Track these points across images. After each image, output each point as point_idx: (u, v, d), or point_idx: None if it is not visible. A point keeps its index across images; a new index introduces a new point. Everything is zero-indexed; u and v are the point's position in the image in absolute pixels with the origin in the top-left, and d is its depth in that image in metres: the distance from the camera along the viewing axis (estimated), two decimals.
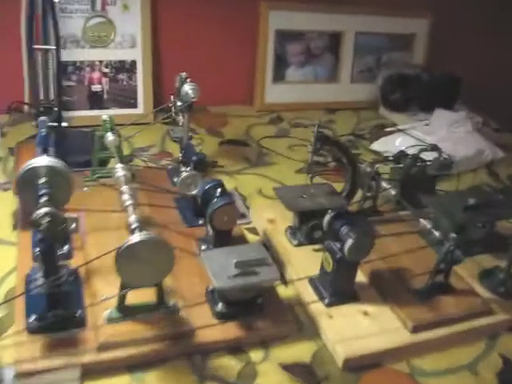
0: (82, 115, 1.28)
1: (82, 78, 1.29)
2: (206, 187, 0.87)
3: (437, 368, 0.77)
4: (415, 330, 0.79)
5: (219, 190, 0.86)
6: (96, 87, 1.30)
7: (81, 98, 1.30)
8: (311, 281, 0.86)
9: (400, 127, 1.35)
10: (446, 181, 1.20)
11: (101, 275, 0.80)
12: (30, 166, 0.72)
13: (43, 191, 0.70)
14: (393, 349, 0.77)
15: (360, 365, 0.75)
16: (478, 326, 0.83)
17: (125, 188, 0.79)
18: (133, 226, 0.71)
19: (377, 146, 1.33)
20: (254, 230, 1.00)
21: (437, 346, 0.80)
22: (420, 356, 0.78)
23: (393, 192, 1.01)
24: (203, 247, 0.88)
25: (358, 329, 0.79)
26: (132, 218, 0.72)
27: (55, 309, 0.71)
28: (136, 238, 0.67)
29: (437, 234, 0.82)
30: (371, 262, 0.90)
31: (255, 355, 0.75)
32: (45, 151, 0.86)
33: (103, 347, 0.70)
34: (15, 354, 0.68)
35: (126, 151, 1.20)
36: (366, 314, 0.82)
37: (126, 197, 0.77)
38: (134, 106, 1.32)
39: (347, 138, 1.39)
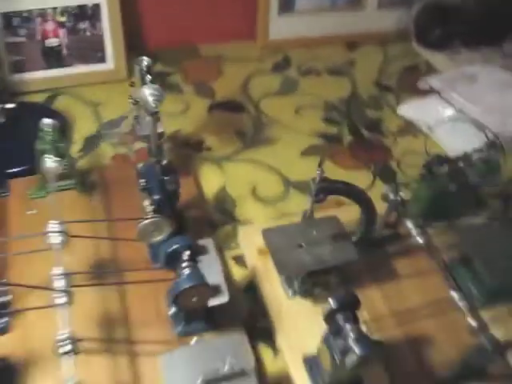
0: (37, 77, 1.02)
1: (32, 32, 1.00)
2: (171, 249, 0.66)
3: None
4: None
5: (187, 253, 0.66)
6: (51, 41, 1.02)
7: (34, 57, 1.02)
8: (306, 361, 0.69)
9: (437, 86, 1.06)
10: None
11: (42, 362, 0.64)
12: None
13: None
14: None
15: None
16: None
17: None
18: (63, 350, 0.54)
19: (405, 111, 1.07)
20: (241, 260, 0.81)
21: None
22: None
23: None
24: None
25: None
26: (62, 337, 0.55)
27: None
28: None
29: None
30: (382, 323, 0.72)
31: None
32: None
33: None
34: None
35: (91, 127, 0.99)
36: None
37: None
38: (102, 60, 1.05)
39: (368, 92, 1.12)
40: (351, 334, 0.59)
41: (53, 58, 1.03)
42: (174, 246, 0.67)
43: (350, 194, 0.70)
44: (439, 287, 0.76)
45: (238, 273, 0.80)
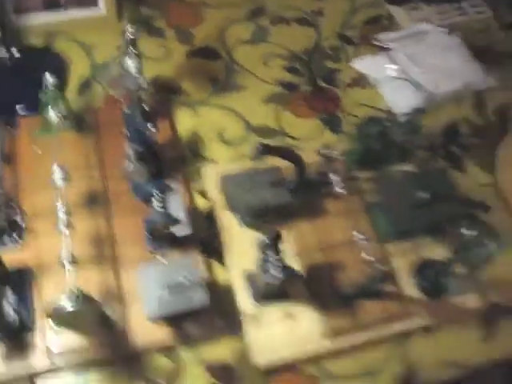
0: (36, 20, 1.14)
1: None
2: (147, 190, 0.87)
3: (344, 373, 0.89)
4: (331, 337, 0.89)
5: (158, 194, 0.86)
6: None
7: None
8: (246, 277, 0.92)
9: (388, 43, 1.21)
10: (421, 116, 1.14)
11: (51, 271, 0.87)
12: None
13: None
14: (307, 355, 0.88)
15: (274, 367, 0.87)
16: (392, 331, 0.91)
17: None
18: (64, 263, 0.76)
19: (359, 64, 1.21)
20: (204, 193, 1.02)
21: (350, 352, 0.90)
22: (333, 360, 0.89)
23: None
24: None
25: (278, 331, 0.88)
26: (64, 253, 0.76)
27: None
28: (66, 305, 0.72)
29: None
30: (308, 252, 0.94)
31: (184, 354, 0.87)
32: None
33: (51, 354, 0.82)
34: None
35: (86, 69, 1.14)
36: (290, 316, 0.90)
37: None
38: (94, 3, 1.18)
39: (330, 44, 1.26)
40: (273, 261, 0.82)
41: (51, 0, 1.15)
42: (149, 188, 0.88)
43: (288, 157, 0.89)
44: (357, 225, 0.98)
45: (201, 203, 1.01)
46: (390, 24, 1.31)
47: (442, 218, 0.97)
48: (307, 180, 0.95)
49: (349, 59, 1.24)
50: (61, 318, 0.74)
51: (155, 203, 0.85)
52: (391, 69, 1.17)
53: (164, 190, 0.87)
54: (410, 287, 0.95)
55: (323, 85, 1.19)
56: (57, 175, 0.82)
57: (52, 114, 0.90)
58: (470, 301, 0.95)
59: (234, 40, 1.24)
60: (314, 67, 1.22)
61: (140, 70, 0.89)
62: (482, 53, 1.26)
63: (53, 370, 0.82)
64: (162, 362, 0.86)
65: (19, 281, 0.85)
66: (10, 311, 0.80)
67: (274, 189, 0.92)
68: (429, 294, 0.94)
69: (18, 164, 0.97)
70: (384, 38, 1.23)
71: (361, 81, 1.21)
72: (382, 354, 0.91)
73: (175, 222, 0.87)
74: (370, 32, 1.28)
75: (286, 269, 0.82)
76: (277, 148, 0.86)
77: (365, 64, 1.20)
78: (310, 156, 0.97)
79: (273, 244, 0.82)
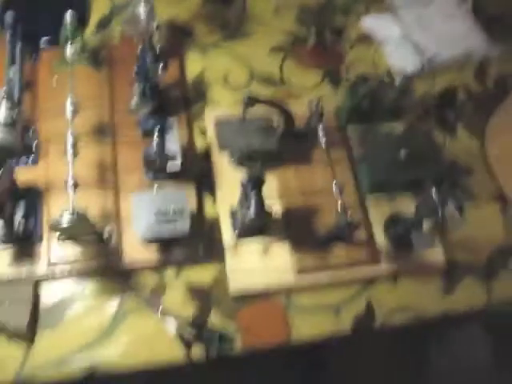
0: None
1: None
2: (148, 125, 0.97)
3: (308, 305, 0.99)
4: (299, 273, 0.99)
5: (157, 128, 0.95)
6: None
7: None
8: (231, 211, 1.02)
9: (396, 2, 1.24)
10: (418, 80, 1.19)
11: (59, 190, 0.98)
12: None
13: None
14: (278, 287, 0.99)
15: (247, 295, 0.98)
16: (358, 275, 1.01)
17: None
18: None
19: (366, 22, 1.25)
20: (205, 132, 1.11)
21: (317, 288, 1.00)
22: (300, 294, 1.00)
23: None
24: None
25: (254, 264, 0.99)
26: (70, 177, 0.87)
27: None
28: (63, 221, 0.83)
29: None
30: (291, 196, 1.03)
31: (169, 274, 0.99)
32: None
33: (53, 263, 0.94)
34: None
35: (104, 8, 1.21)
36: (266, 250, 1.00)
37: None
38: None
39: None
40: (252, 201, 0.91)
41: None
42: (150, 123, 0.97)
43: (271, 106, 0.96)
44: (339, 175, 1.06)
45: (200, 142, 1.10)
46: None
47: (420, 177, 1.04)
48: (295, 130, 1.03)
49: (359, 16, 1.28)
50: (59, 231, 0.86)
51: (154, 137, 0.95)
52: (396, 29, 1.20)
53: (164, 125, 0.96)
54: (380, 237, 1.04)
55: (330, 39, 1.24)
56: (68, 106, 0.92)
57: (69, 50, 0.99)
58: (435, 255, 1.03)
59: None
60: (324, 20, 1.26)
61: (151, 17, 0.96)
62: (492, 21, 1.28)
63: (54, 277, 0.95)
64: (149, 278, 0.98)
65: (30, 197, 0.96)
66: (20, 222, 0.92)
67: (262, 135, 1.00)
68: (396, 245, 1.03)
69: (37, 92, 1.07)
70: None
71: (367, 39, 1.25)
72: (346, 294, 1.01)
73: (170, 157, 0.96)
74: None
75: (264, 210, 0.92)
76: (264, 100, 0.93)
77: (372, 22, 1.24)
78: (302, 108, 1.04)
79: (254, 186, 0.91)
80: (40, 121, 1.04)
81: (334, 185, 0.94)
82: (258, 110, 0.98)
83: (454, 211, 0.91)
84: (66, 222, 0.84)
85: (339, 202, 0.93)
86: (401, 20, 1.21)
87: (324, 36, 1.24)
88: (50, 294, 0.95)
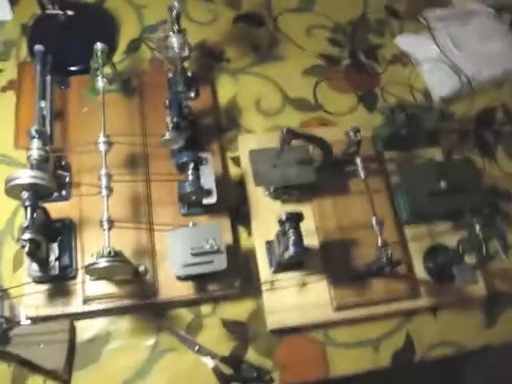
0: None
1: None
2: (181, 160, 0.93)
3: (346, 341, 0.97)
4: (338, 309, 0.97)
5: (192, 165, 0.93)
6: None
7: None
8: (268, 244, 0.99)
9: (433, 22, 1.20)
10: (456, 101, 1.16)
11: (92, 226, 0.96)
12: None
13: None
14: (314, 323, 0.97)
15: (284, 330, 0.96)
16: (397, 309, 0.98)
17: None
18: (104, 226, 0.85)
19: (402, 41, 1.22)
20: (238, 161, 1.08)
21: (355, 323, 0.98)
22: (337, 329, 0.97)
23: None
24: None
25: (291, 298, 0.96)
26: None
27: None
28: (102, 263, 0.82)
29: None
30: (328, 228, 1.01)
31: (205, 310, 0.97)
32: None
33: (89, 300, 0.93)
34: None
35: (133, 31, 1.19)
36: (304, 284, 0.98)
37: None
38: None
39: (376, 16, 1.26)
40: (291, 240, 0.89)
41: None
42: (184, 159, 0.95)
43: (313, 141, 0.93)
44: (376, 206, 1.03)
45: (233, 171, 1.08)
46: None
47: (460, 207, 1.01)
48: (333, 160, 1.00)
49: (393, 34, 1.24)
50: (95, 272, 0.84)
51: (189, 172, 0.93)
52: (432, 49, 1.17)
53: (197, 160, 0.94)
54: (419, 269, 1.01)
55: (364, 59, 1.21)
56: (101, 139, 0.90)
57: (99, 78, 0.97)
58: (476, 288, 1.00)
59: (280, 7, 1.25)
60: (357, 40, 1.23)
61: (183, 47, 0.94)
62: None
63: (89, 315, 0.94)
64: (185, 314, 0.96)
65: (64, 232, 0.95)
66: (54, 260, 0.91)
67: (299, 167, 0.97)
68: (436, 277, 1.00)
69: (67, 122, 1.05)
70: (430, 15, 1.22)
71: (402, 58, 1.21)
72: (385, 329, 0.99)
73: (205, 192, 0.94)
74: (418, 6, 1.27)
75: (303, 247, 0.89)
76: (303, 134, 0.91)
77: (407, 41, 1.21)
78: (338, 134, 1.01)
79: (293, 223, 0.89)
80: (72, 152, 1.02)
81: (373, 219, 0.92)
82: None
83: (498, 249, 0.88)
84: (103, 262, 0.82)
85: (379, 238, 0.91)
86: (437, 39, 1.18)
87: (358, 57, 1.21)
88: (85, 332, 0.94)
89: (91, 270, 0.83)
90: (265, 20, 1.23)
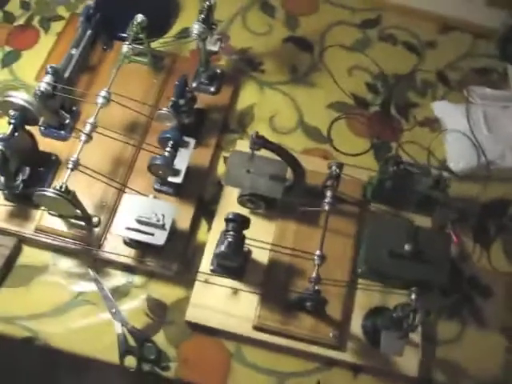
0: None
1: None
2: (163, 135, 0.98)
3: (255, 363, 0.95)
4: (257, 329, 0.95)
5: (171, 142, 0.97)
6: None
7: None
8: (216, 245, 1.00)
9: (475, 98, 1.16)
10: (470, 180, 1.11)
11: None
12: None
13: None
14: (231, 333, 0.96)
15: (200, 326, 0.96)
16: (316, 353, 0.94)
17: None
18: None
19: (438, 107, 1.18)
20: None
21: (271, 349, 0.96)
22: (252, 348, 0.96)
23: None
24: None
25: (218, 300, 0.97)
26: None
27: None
28: (48, 192, 0.88)
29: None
30: (281, 249, 1.00)
31: (137, 280, 1.00)
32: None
33: (40, 229, 1.00)
34: None
35: (189, 19, 1.24)
36: (235, 292, 0.98)
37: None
38: None
39: (425, 77, 1.24)
40: (228, 237, 0.90)
41: None
42: (166, 135, 0.99)
43: (279, 155, 0.94)
44: (341, 249, 1.01)
45: (221, 169, 1.11)
46: (500, 81, 1.24)
47: (421, 279, 0.96)
48: (308, 186, 1.00)
49: (434, 98, 1.21)
50: (40, 199, 0.90)
51: (167, 148, 0.98)
52: (462, 122, 1.13)
53: (179, 140, 0.98)
54: (357, 324, 0.97)
55: (394, 113, 1.19)
56: (102, 93, 0.97)
57: (129, 48, 1.05)
58: (408, 366, 0.94)
59: (334, 41, 1.27)
60: (395, 93, 1.22)
61: (202, 37, 1.00)
62: None
63: (36, 242, 1.01)
64: (118, 276, 1.00)
65: (46, 166, 1.04)
66: (20, 181, 1.00)
67: (270, 180, 0.98)
68: (371, 339, 0.95)
69: (95, 77, 1.15)
70: (477, 91, 1.18)
71: (433, 124, 1.18)
72: (298, 367, 0.95)
73: (174, 171, 0.98)
74: (472, 80, 1.23)
75: (238, 250, 0.90)
76: (273, 145, 0.92)
77: (443, 108, 1.18)
78: (323, 166, 1.01)
79: (235, 223, 0.90)
80: (86, 104, 1.11)
81: (316, 252, 0.90)
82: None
83: (421, 320, 0.83)
84: (50, 193, 0.89)
85: (314, 272, 0.89)
86: (470, 114, 1.13)
87: (389, 108, 1.20)
88: (27, 258, 1.01)
89: (38, 195, 0.90)
90: (314, 47, 1.26)
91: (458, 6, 1.28)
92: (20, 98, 0.93)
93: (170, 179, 0.99)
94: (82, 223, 0.99)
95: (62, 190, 0.89)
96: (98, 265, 1.00)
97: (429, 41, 1.29)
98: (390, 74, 1.24)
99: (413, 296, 0.85)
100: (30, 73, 1.17)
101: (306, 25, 1.29)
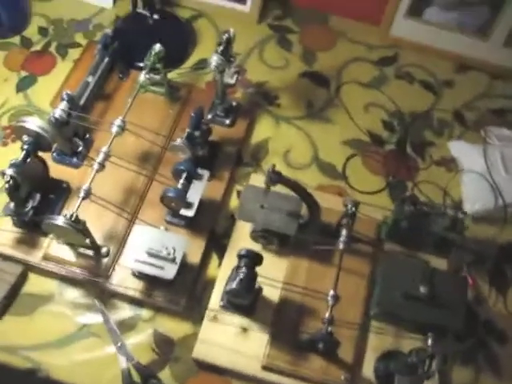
0: None
1: None
2: (177, 167, 0.97)
3: None
4: (265, 369, 0.92)
5: (185, 175, 0.96)
6: None
7: None
8: (227, 281, 0.98)
9: (492, 139, 1.15)
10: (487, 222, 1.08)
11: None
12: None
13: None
14: (239, 371, 0.93)
15: (207, 364, 0.93)
16: None
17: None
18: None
19: (454, 146, 1.17)
20: None
21: None
22: None
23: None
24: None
25: (227, 338, 0.94)
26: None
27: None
28: (58, 221, 0.87)
29: None
30: (293, 287, 0.98)
31: (145, 314, 0.98)
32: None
33: (48, 258, 0.98)
34: None
35: (206, 52, 1.26)
36: (244, 330, 0.95)
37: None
38: (243, 1, 1.30)
39: (441, 117, 1.23)
40: (240, 274, 0.88)
41: None
42: (180, 167, 0.98)
43: (296, 191, 0.92)
44: (354, 288, 0.98)
45: (234, 203, 1.09)
46: None
47: (435, 323, 0.93)
48: (322, 224, 0.98)
49: (451, 138, 1.20)
50: (50, 227, 0.89)
51: (180, 181, 0.96)
52: (480, 163, 1.11)
53: (192, 173, 0.97)
54: (369, 367, 0.94)
55: (409, 151, 1.18)
56: (117, 122, 0.96)
57: (146, 77, 1.05)
58: None
59: (351, 77, 1.27)
60: (412, 132, 1.21)
61: (220, 69, 0.99)
62: None
63: (43, 271, 0.99)
64: (125, 309, 0.98)
65: (57, 193, 1.03)
66: (30, 207, 0.98)
67: (285, 216, 0.96)
68: (380, 382, 0.92)
69: (110, 105, 1.15)
70: (495, 131, 1.17)
71: (450, 163, 1.17)
72: None
73: (187, 204, 0.96)
74: (489, 121, 1.22)
75: (249, 287, 0.88)
76: (290, 181, 0.90)
77: (459, 148, 1.16)
78: (337, 203, 0.99)
79: (248, 260, 0.88)
80: (100, 132, 1.10)
81: (330, 292, 0.88)
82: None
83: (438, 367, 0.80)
84: (60, 222, 0.87)
85: (327, 312, 0.86)
86: (488, 155, 1.12)
87: (405, 147, 1.19)
88: (33, 286, 0.98)
89: (47, 224, 0.89)
90: (330, 83, 1.26)
91: (475, 45, 1.28)
92: (34, 123, 0.92)
93: (182, 212, 0.97)
94: (91, 253, 0.97)
95: (73, 219, 0.88)
96: (105, 296, 0.98)
97: (446, 80, 1.29)
98: (407, 112, 1.23)
99: (429, 341, 0.83)
100: (45, 98, 1.17)
101: (323, 60, 1.29)
